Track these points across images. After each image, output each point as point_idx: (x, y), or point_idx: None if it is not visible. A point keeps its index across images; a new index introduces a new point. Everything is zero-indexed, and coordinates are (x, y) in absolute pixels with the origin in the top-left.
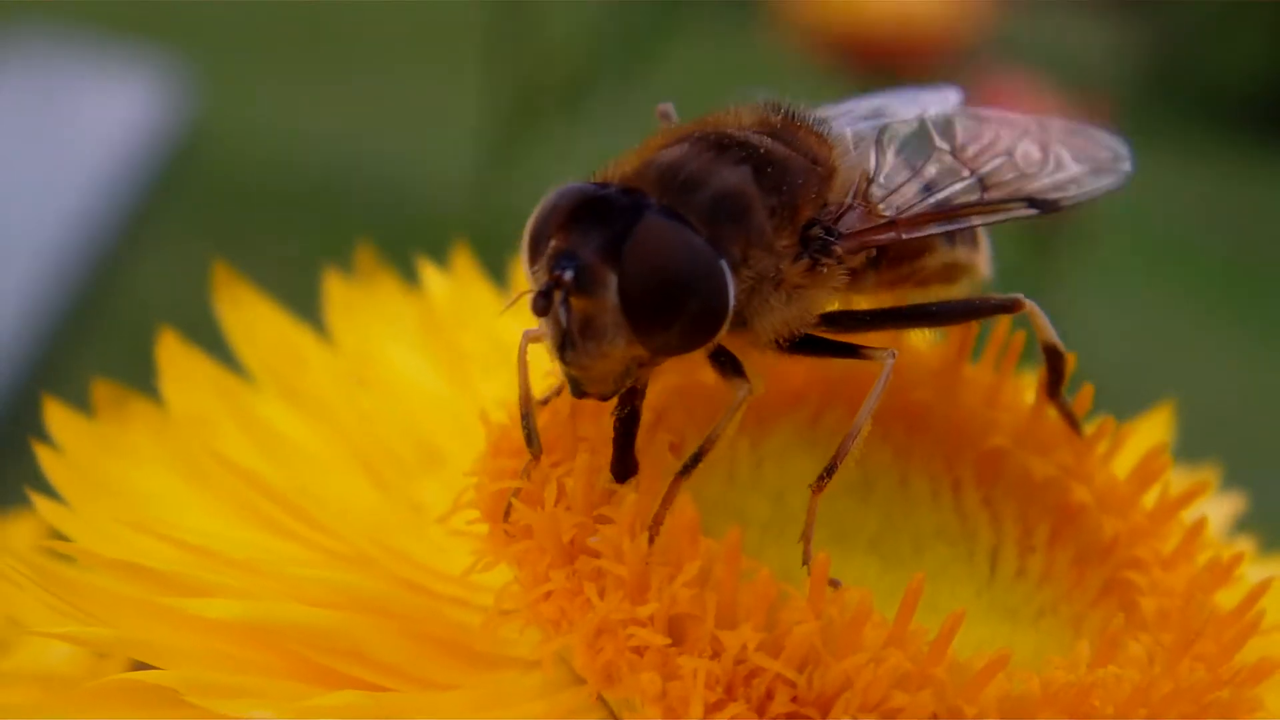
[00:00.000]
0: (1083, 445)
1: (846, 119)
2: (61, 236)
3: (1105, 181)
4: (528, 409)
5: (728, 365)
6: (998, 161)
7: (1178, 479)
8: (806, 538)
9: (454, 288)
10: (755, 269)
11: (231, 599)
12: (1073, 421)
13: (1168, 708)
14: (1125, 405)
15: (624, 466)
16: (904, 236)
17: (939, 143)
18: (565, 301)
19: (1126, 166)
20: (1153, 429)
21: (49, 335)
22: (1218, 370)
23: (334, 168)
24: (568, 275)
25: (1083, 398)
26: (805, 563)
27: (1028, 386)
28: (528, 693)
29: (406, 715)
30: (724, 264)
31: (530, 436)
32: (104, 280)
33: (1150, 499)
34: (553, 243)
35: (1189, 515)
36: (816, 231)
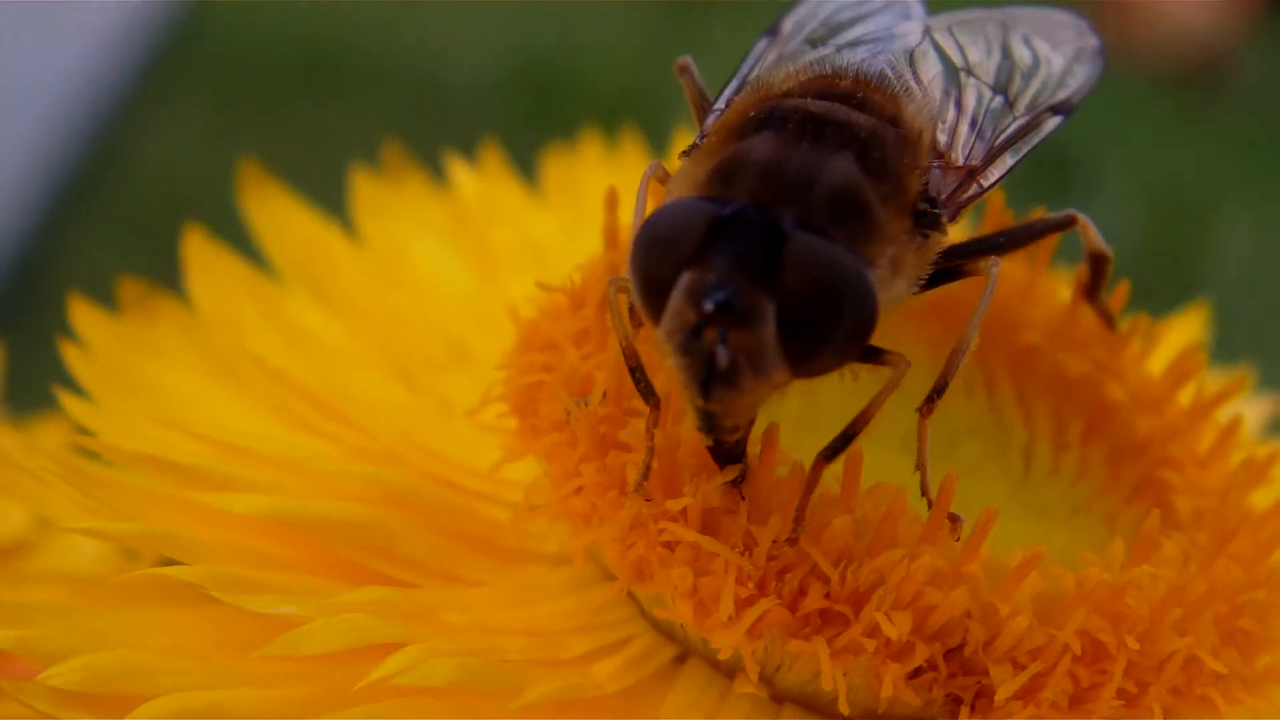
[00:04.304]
0: (1117, 342)
1: (811, 33)
2: (65, 103)
3: (1091, 67)
4: (636, 362)
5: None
6: (1006, 71)
7: (1213, 379)
8: (922, 466)
9: (483, 185)
10: (882, 264)
11: (259, 494)
12: (1108, 319)
13: (1202, 608)
14: None
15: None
16: (984, 186)
17: (958, 62)
18: (724, 339)
19: (1094, 41)
20: (1187, 327)
21: (50, 203)
22: None
23: (341, 41)
24: (721, 310)
25: (1118, 295)
26: (925, 494)
27: (1061, 283)
28: (556, 589)
29: (434, 611)
30: (869, 273)
31: (648, 390)
32: (106, 148)
33: (1185, 397)
34: (688, 275)
35: (1224, 414)
36: (923, 207)
